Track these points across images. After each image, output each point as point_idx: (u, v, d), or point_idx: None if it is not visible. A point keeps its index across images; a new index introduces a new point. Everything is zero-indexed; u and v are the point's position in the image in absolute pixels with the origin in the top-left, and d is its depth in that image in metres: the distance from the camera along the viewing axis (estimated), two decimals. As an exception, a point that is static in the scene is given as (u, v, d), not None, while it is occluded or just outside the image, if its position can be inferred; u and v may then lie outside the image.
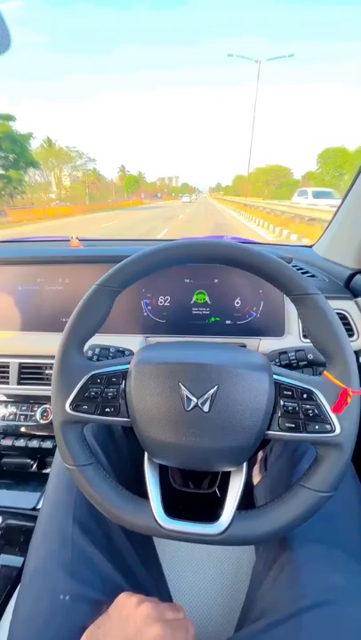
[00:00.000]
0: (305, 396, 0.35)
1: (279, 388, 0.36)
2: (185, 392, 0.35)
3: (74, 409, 0.37)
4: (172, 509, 0.38)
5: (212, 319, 0.72)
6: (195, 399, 0.35)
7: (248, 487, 0.63)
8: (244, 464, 0.39)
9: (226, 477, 0.40)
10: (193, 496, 0.57)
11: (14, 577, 0.57)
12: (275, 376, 0.37)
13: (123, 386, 0.38)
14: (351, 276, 0.77)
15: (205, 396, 0.35)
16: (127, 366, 0.39)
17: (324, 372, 0.37)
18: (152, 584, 0.47)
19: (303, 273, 0.82)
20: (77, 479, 0.39)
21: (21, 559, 0.60)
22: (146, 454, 0.41)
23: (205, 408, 0.35)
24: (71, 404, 0.37)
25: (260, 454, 0.68)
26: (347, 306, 0.71)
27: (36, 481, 0.77)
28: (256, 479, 0.64)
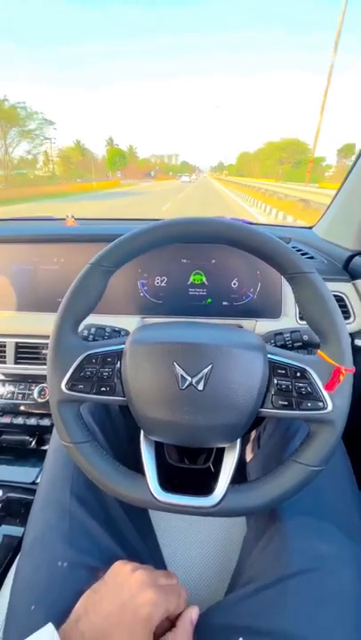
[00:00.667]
0: (298, 374, 0.36)
1: (273, 366, 0.37)
2: (179, 371, 0.36)
3: (70, 388, 0.38)
4: (167, 484, 0.39)
5: (209, 300, 0.72)
6: (189, 378, 0.35)
7: (241, 464, 0.65)
8: (238, 440, 0.40)
9: (220, 453, 0.41)
10: (188, 471, 0.59)
11: (15, 546, 0.60)
12: (269, 355, 0.37)
13: (118, 365, 0.38)
14: (350, 258, 0.76)
15: (200, 375, 0.35)
16: (122, 346, 0.39)
17: (318, 351, 0.37)
18: (147, 553, 0.49)
19: (302, 254, 0.81)
20: (75, 456, 0.39)
21: (22, 529, 0.63)
22: (142, 432, 0.42)
23: (200, 387, 0.35)
24: (67, 384, 0.38)
25: (254, 433, 0.69)
26: (344, 288, 0.71)
27: (35, 457, 0.79)
28: (249, 457, 0.66)
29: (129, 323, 0.70)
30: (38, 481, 0.55)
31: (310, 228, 1.02)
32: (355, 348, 0.71)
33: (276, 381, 0.36)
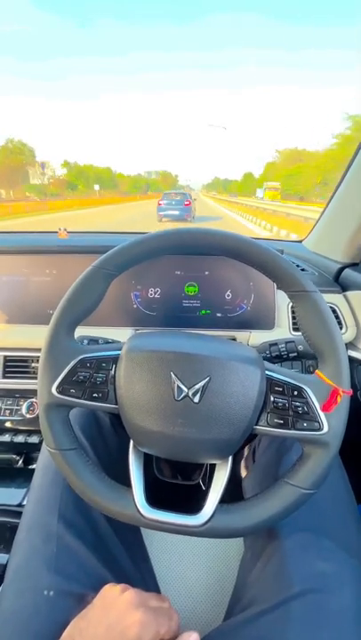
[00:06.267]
0: (295, 392, 0.35)
1: (270, 383, 0.36)
2: (176, 381, 0.35)
3: (60, 392, 0.36)
4: (155, 499, 0.38)
5: (203, 312, 0.72)
6: (185, 389, 0.35)
7: (237, 480, 0.63)
8: (230, 457, 0.39)
9: (212, 470, 0.40)
10: (177, 487, 0.57)
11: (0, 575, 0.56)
12: (267, 371, 0.37)
13: (112, 372, 0.37)
14: (340, 270, 0.78)
15: (197, 387, 0.35)
16: (118, 352, 0.38)
17: (316, 371, 0.37)
18: (139, 577, 0.47)
19: None
20: (59, 463, 0.38)
21: (7, 556, 0.59)
22: (131, 442, 0.40)
23: (196, 399, 0.34)
24: (58, 387, 0.36)
25: (248, 448, 0.68)
26: (336, 299, 0.72)
27: (22, 477, 0.75)
28: (244, 472, 0.65)
29: (122, 334, 0.69)
30: (25, 503, 0.53)
31: (300, 241, 1.05)
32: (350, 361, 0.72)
33: (272, 398, 0.36)
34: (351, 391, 0.35)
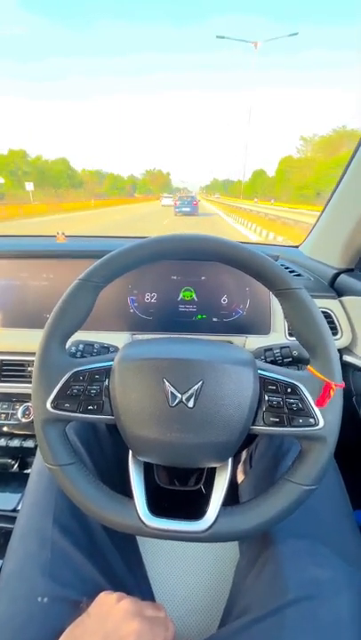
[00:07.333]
0: (289, 390, 0.36)
1: (264, 382, 0.36)
2: (169, 388, 0.35)
3: (55, 407, 0.36)
4: (156, 507, 0.37)
5: (199, 316, 0.72)
6: (179, 395, 0.35)
7: (233, 486, 0.63)
8: (230, 460, 0.39)
9: (211, 474, 0.40)
10: (178, 494, 0.57)
11: None
12: (259, 371, 0.37)
13: (106, 383, 0.37)
14: (336, 276, 0.78)
15: (190, 392, 0.35)
16: (111, 363, 0.38)
17: (308, 367, 0.37)
18: (134, 584, 0.46)
19: (290, 272, 0.83)
20: (59, 479, 0.38)
21: (0, 562, 0.58)
22: (130, 452, 0.40)
23: (190, 404, 0.35)
24: (52, 403, 0.36)
25: (245, 453, 0.68)
26: (331, 305, 0.72)
27: (17, 481, 0.75)
28: (241, 477, 0.64)
29: (118, 339, 0.69)
30: (19, 508, 0.52)
31: (297, 246, 1.05)
32: (343, 364, 0.72)
33: (266, 397, 0.36)
34: (343, 384, 0.36)
